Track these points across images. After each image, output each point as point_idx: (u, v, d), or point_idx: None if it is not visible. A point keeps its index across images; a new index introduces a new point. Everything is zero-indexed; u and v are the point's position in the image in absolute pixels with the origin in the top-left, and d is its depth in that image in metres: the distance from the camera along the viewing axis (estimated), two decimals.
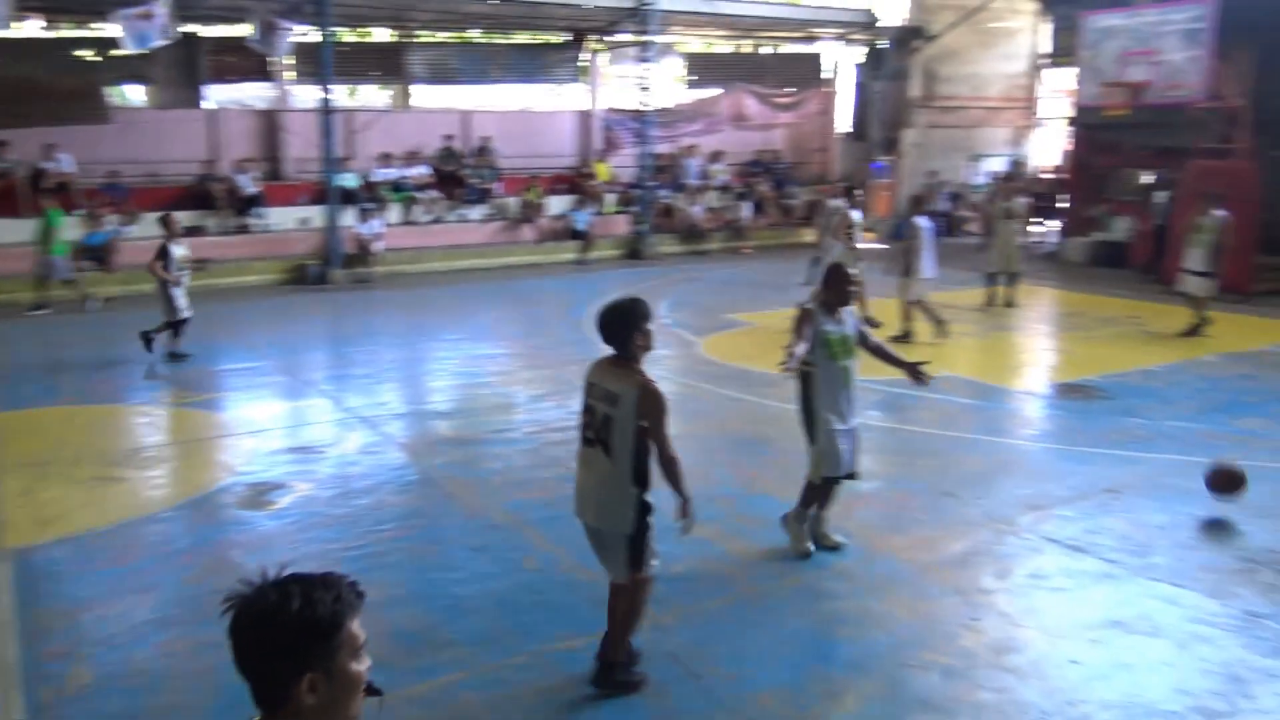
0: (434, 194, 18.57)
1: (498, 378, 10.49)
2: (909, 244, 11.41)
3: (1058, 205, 20.82)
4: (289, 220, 17.46)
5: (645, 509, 4.35)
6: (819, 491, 5.88)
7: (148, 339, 10.68)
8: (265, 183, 17.87)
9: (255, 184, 17.39)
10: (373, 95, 23.52)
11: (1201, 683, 4.52)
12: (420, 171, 18.65)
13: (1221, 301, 14.12)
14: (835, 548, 5.94)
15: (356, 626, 1.79)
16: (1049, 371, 11.08)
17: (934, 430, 8.47)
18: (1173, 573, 5.65)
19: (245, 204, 17.05)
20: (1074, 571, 5.69)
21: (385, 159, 18.45)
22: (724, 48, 24.62)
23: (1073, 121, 19.64)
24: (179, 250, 10.70)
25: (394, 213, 18.05)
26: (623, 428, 4.27)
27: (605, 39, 21.07)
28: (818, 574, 5.63)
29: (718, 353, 11.32)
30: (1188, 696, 4.40)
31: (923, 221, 11.49)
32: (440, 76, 20.67)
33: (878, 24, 22.19)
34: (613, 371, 4.38)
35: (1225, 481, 6.56)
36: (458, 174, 19.02)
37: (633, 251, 19.76)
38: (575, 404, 9.12)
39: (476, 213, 19.01)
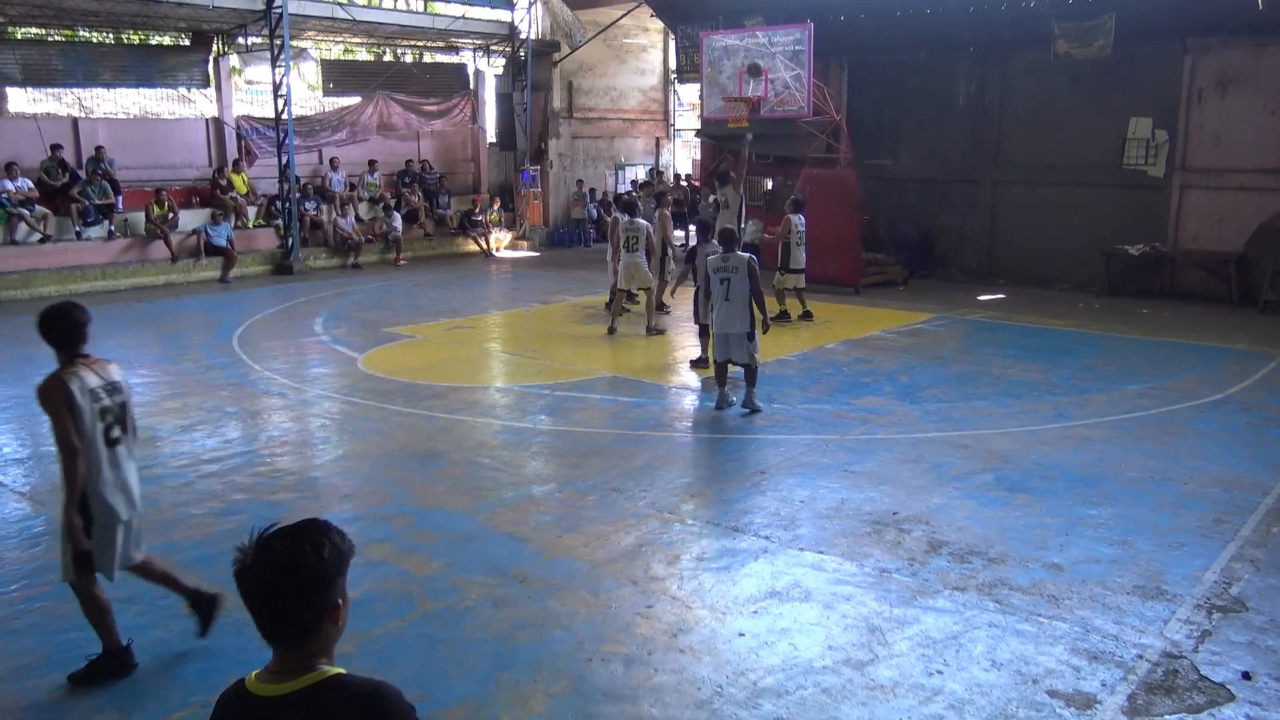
0: (41, 210, 16.51)
1: (137, 409, 9.44)
2: None
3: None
4: None
5: None
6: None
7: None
8: None
9: None
10: None
11: (846, 637, 5.03)
12: (21, 185, 16.47)
13: (836, 294, 15.80)
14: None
15: None
16: (700, 367, 11.78)
17: (599, 429, 8.78)
18: (816, 541, 6.26)
19: None
20: (734, 550, 6.14)
21: None
22: (365, 55, 24.03)
23: (699, 133, 21.10)
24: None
25: None
26: (131, 412, 4.79)
27: (233, 42, 19.79)
28: (497, 582, 5.65)
29: (380, 368, 11.01)
30: (837, 651, 4.88)
31: None
32: (40, 79, 18.32)
33: (519, 36, 22.63)
34: (99, 367, 4.72)
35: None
36: (69, 188, 17.04)
37: (281, 267, 18.77)
38: (231, 432, 8.67)
39: (96, 230, 17.14)
